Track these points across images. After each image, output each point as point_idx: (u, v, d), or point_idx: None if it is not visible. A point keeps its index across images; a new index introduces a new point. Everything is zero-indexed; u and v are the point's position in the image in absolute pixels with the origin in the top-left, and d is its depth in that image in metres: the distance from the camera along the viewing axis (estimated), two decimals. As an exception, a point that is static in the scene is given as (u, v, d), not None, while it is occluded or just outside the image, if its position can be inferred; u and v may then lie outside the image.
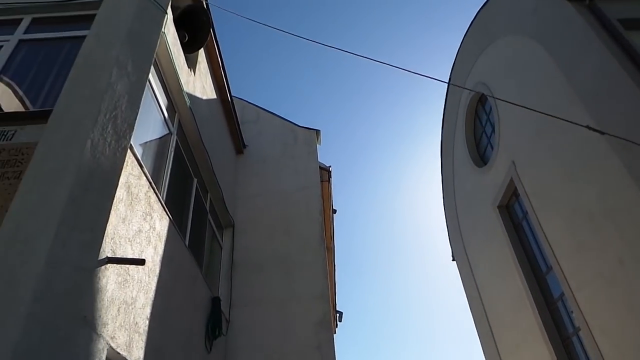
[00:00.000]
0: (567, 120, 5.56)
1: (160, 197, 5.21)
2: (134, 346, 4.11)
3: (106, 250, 3.70)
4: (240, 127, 10.42)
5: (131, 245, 4.26)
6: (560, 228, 7.88)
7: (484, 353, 11.20)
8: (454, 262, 13.51)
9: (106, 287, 3.69)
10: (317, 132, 10.81)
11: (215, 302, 7.05)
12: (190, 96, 6.90)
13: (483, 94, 10.88)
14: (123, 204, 4.16)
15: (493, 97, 10.16)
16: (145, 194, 4.74)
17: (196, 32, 7.18)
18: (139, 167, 4.61)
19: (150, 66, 4.76)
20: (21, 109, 4.51)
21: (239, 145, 10.38)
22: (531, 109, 6.19)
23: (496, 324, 10.61)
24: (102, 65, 4.19)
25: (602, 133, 5.35)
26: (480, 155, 11.58)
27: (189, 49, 7.18)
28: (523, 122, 8.84)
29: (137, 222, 4.45)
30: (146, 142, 5.46)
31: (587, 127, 5.30)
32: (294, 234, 9.00)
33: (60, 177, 3.32)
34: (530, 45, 8.41)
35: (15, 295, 2.76)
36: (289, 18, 48.47)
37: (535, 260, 9.26)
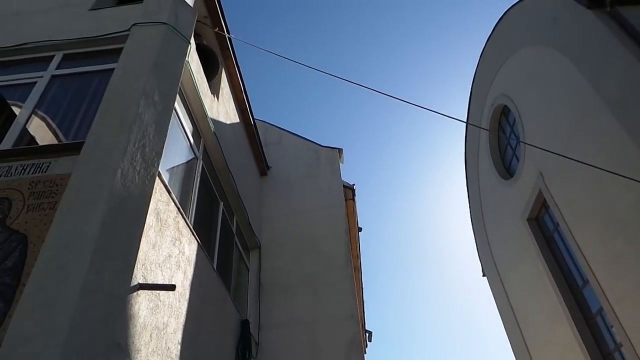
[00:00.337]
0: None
1: (188, 222, 5.30)
2: (167, 372, 4.13)
3: (138, 277, 3.76)
4: (264, 149, 10.55)
5: (161, 270, 4.32)
6: (594, 239, 7.63)
7: (521, 372, 10.80)
8: (485, 277, 13.19)
9: (138, 313, 3.74)
10: (340, 150, 10.85)
11: (245, 324, 7.05)
12: (215, 121, 7.04)
13: (505, 105, 10.76)
14: (153, 230, 4.24)
15: (516, 108, 10.04)
16: (174, 220, 4.82)
17: (207, 67, 7.43)
18: (167, 193, 4.71)
19: (176, 95, 4.89)
20: (55, 141, 4.69)
21: (263, 167, 10.49)
22: (581, 162, 6.05)
23: (532, 341, 10.24)
24: (130, 96, 4.33)
25: None
26: (506, 168, 11.38)
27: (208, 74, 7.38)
28: (549, 132, 8.68)
29: (167, 248, 4.53)
30: (173, 168, 5.58)
31: None
32: (320, 254, 8.97)
33: (93, 206, 3.42)
34: (551, 55, 8.31)
35: (52, 325, 2.83)
36: (310, 42, 49.21)
37: (570, 273, 8.96)
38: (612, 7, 6.97)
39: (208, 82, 7.26)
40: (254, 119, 9.81)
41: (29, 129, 4.73)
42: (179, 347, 4.49)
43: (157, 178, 4.29)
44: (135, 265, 3.68)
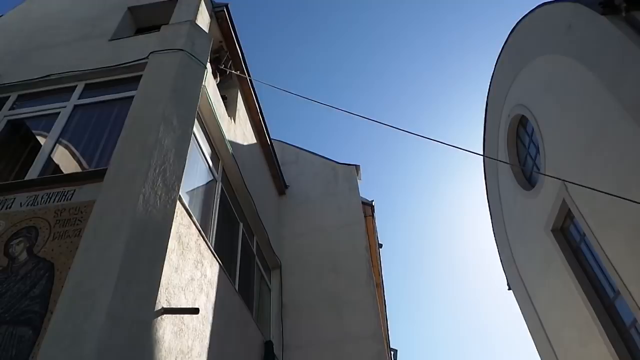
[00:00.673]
0: None
1: (210, 244, 5.33)
2: (192, 396, 4.11)
3: (161, 301, 3.78)
4: (281, 168, 10.61)
5: (184, 293, 4.34)
6: (624, 248, 7.39)
7: (553, 389, 10.42)
8: (510, 291, 12.87)
9: (163, 337, 3.75)
10: (357, 167, 10.84)
11: (268, 346, 6.99)
12: (232, 143, 7.13)
13: (523, 115, 10.64)
14: (175, 253, 4.27)
15: (534, 118, 9.92)
16: (196, 242, 4.85)
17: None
18: (188, 217, 4.76)
19: (194, 119, 4.98)
20: (79, 169, 4.81)
21: (281, 187, 10.53)
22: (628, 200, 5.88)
23: (565, 358, 9.90)
24: (149, 122, 4.42)
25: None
26: (527, 178, 11.19)
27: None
28: (569, 141, 8.53)
29: (189, 271, 4.55)
30: (193, 191, 5.65)
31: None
32: (341, 272, 8.90)
33: (116, 233, 3.47)
34: (567, 62, 8.22)
35: (80, 352, 2.85)
36: (325, 67, 49.74)
37: (599, 285, 8.67)
38: (627, 12, 6.89)
39: (227, 104, 7.38)
40: (270, 139, 9.89)
41: (53, 158, 4.85)
42: (204, 371, 4.47)
43: (177, 202, 4.34)
44: (159, 290, 3.70)
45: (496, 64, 11.73)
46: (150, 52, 5.41)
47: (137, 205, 3.65)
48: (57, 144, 4.98)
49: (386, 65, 48.40)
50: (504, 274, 13.18)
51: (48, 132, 5.10)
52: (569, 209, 8.97)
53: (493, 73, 11.96)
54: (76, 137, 5.14)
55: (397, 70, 48.98)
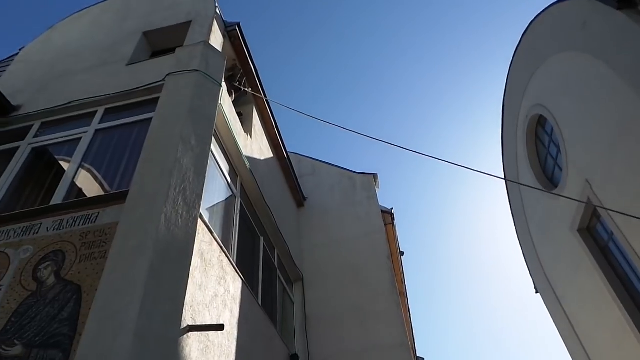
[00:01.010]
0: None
1: (232, 260, 5.37)
2: (221, 413, 4.12)
3: (187, 319, 3.82)
4: (299, 180, 10.66)
5: (209, 310, 4.37)
6: (655, 247, 7.17)
7: (589, 394, 10.09)
8: (538, 294, 12.58)
9: (190, 355, 3.78)
10: (375, 176, 10.81)
11: (294, 359, 6.96)
12: (249, 159, 7.20)
13: (541, 115, 10.49)
14: (198, 270, 4.32)
15: (553, 117, 9.77)
16: (218, 259, 4.90)
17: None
18: (209, 234, 4.81)
19: (212, 137, 5.05)
20: (101, 192, 4.92)
21: (299, 199, 10.56)
22: None
23: (599, 360, 9.59)
24: (168, 142, 4.51)
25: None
26: (549, 179, 10.98)
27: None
28: (592, 138, 8.36)
29: (213, 287, 4.58)
30: (213, 207, 5.71)
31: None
32: (364, 282, 8.84)
33: (140, 253, 3.53)
34: (584, 59, 8.10)
35: (110, 373, 2.89)
36: (340, 80, 50.03)
37: (631, 284, 8.41)
38: (643, 5, 6.77)
39: (243, 120, 7.48)
40: (287, 153, 9.96)
41: (77, 183, 4.98)
42: (231, 387, 4.48)
43: (199, 219, 4.39)
44: (184, 307, 3.73)
45: (510, 65, 11.62)
46: (167, 74, 5.53)
47: (160, 225, 3.71)
48: (80, 168, 5.11)
49: (398, 74, 48.37)
50: (530, 277, 12.92)
51: (71, 157, 5.24)
52: (595, 208, 8.76)
53: (508, 74, 11.84)
54: (98, 160, 5.27)
55: (410, 77, 48.90)
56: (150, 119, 5.08)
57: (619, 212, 6.57)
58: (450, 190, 55.08)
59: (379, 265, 9.02)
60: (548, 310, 11.92)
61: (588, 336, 9.96)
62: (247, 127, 7.91)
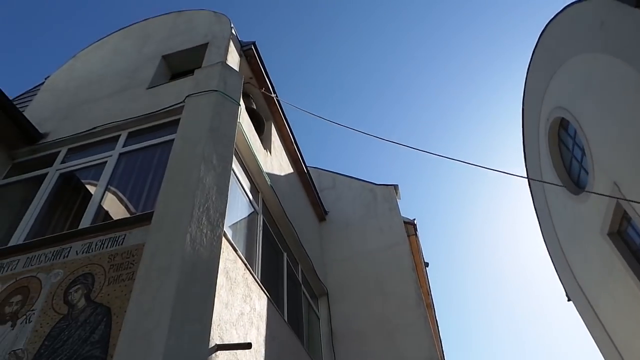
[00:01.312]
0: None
1: (256, 277, 5.38)
2: None
3: (215, 338, 3.82)
4: (319, 194, 10.66)
5: (236, 329, 4.37)
6: (692, 249, 6.91)
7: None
8: (570, 302, 12.21)
9: (219, 374, 3.77)
10: (396, 187, 10.75)
11: (322, 376, 6.89)
12: (270, 175, 7.25)
13: (563, 118, 10.30)
14: (224, 289, 4.34)
15: (575, 119, 9.58)
16: (243, 276, 4.91)
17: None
18: (233, 252, 4.84)
19: (232, 156, 5.11)
20: (127, 214, 5.01)
21: (321, 213, 10.55)
22: None
23: (639, 369, 9.21)
24: (190, 163, 4.58)
25: None
26: (574, 182, 10.73)
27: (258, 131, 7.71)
28: (618, 139, 8.16)
29: (239, 306, 4.59)
30: (236, 225, 5.75)
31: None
32: (389, 295, 8.73)
33: (167, 273, 3.57)
34: (604, 60, 7.95)
35: (141, 394, 2.90)
36: (353, 83, 50.25)
37: (668, 289, 8.10)
38: (662, 2, 6.64)
39: (259, 137, 7.56)
40: (306, 167, 10.00)
41: (103, 206, 5.09)
42: (261, 406, 4.44)
43: (223, 237, 4.42)
44: (211, 327, 3.74)
45: (528, 69, 11.49)
46: (187, 96, 5.64)
47: (185, 245, 3.75)
48: (106, 192, 5.22)
49: (413, 78, 48.27)
50: (560, 284, 12.56)
51: (97, 180, 5.36)
52: (625, 211, 8.52)
53: (526, 78, 11.70)
54: (123, 183, 5.38)
55: (425, 82, 48.71)
56: (172, 140, 5.18)
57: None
58: (472, 195, 54.27)
59: (404, 278, 8.90)
60: (582, 318, 11.56)
61: (625, 343, 9.60)
62: (266, 144, 7.99)
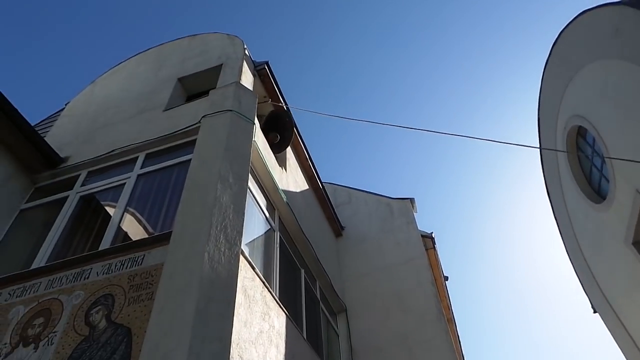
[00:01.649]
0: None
1: (274, 294, 5.36)
2: None
3: (234, 357, 3.81)
4: (335, 210, 10.64)
5: (255, 347, 4.35)
6: None
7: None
8: (596, 314, 11.85)
9: (239, 394, 3.74)
10: (412, 200, 10.68)
11: (343, 394, 6.78)
12: (285, 192, 7.27)
13: (580, 126, 10.16)
14: (242, 307, 4.33)
15: (593, 127, 9.44)
16: (261, 294, 4.90)
17: (282, 132, 7.79)
18: (251, 269, 4.84)
19: (248, 174, 5.15)
20: (146, 234, 5.06)
21: (337, 228, 10.52)
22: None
23: (672, 383, 8.86)
24: (207, 182, 4.63)
25: None
26: (595, 191, 10.51)
27: (279, 148, 7.75)
28: (638, 146, 8.00)
29: (258, 324, 4.57)
30: (253, 243, 5.77)
31: None
32: (409, 310, 8.61)
33: (186, 293, 3.58)
34: (620, 66, 7.86)
35: (163, 415, 2.89)
36: (367, 87, 50.48)
37: (700, 299, 7.82)
38: (676, 5, 6.57)
39: (277, 155, 7.63)
40: (322, 183, 10.01)
41: (122, 227, 5.16)
42: None
43: (240, 255, 4.43)
44: (231, 345, 3.73)
45: (542, 78, 11.41)
46: (202, 116, 5.74)
47: (203, 264, 3.77)
48: (125, 213, 5.30)
49: (425, 78, 48.17)
50: (585, 295, 12.23)
51: (116, 202, 5.45)
52: (650, 219, 8.30)
53: (540, 88, 11.61)
54: (141, 204, 5.46)
55: (437, 83, 48.61)
56: (189, 160, 5.25)
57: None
58: (491, 207, 53.54)
59: (424, 292, 8.78)
60: (608, 329, 11.21)
61: (657, 357, 9.26)
62: (282, 161, 8.04)
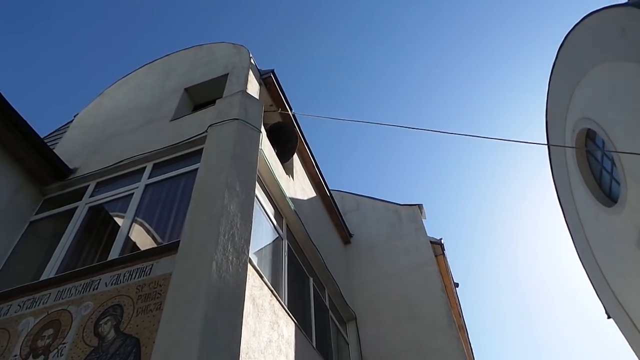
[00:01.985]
0: None
1: (283, 303, 5.33)
2: None
3: (243, 367, 3.77)
4: (343, 217, 10.60)
5: (264, 356, 4.32)
6: None
7: None
8: (611, 319, 11.65)
9: (249, 405, 3.71)
10: (420, 206, 10.62)
11: (354, 404, 6.70)
12: (293, 200, 7.26)
13: (589, 129, 10.06)
14: (251, 317, 4.31)
15: (602, 129, 9.35)
16: (269, 303, 4.88)
17: (286, 143, 7.79)
18: (259, 278, 4.82)
19: (255, 182, 5.15)
20: (154, 244, 5.07)
21: (346, 236, 10.48)
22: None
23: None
24: (214, 191, 4.63)
25: None
26: (607, 194, 10.39)
27: (285, 157, 7.75)
28: (648, 148, 7.90)
29: (266, 333, 4.54)
30: (261, 251, 5.75)
31: None
32: (419, 317, 8.52)
33: (194, 302, 3.57)
34: (628, 67, 7.79)
35: None
36: (376, 90, 50.36)
37: None
38: (684, 5, 6.51)
39: (284, 163, 7.63)
40: (329, 190, 9.99)
41: (131, 237, 5.17)
42: None
43: (248, 264, 4.42)
44: (240, 355, 3.70)
45: (549, 81, 11.34)
46: (209, 125, 5.76)
47: (211, 273, 3.75)
48: (134, 223, 5.31)
49: (422, 79, 48.05)
50: (599, 299, 12.04)
51: (124, 212, 5.47)
52: (663, 221, 8.18)
53: (548, 91, 11.54)
54: (150, 213, 5.47)
55: (434, 84, 48.46)
56: (196, 169, 5.27)
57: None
58: (500, 212, 53.07)
59: (434, 299, 8.69)
60: (623, 335, 11.01)
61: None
62: (288, 169, 8.04)
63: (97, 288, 4.36)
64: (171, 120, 6.81)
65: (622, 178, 9.09)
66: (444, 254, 10.17)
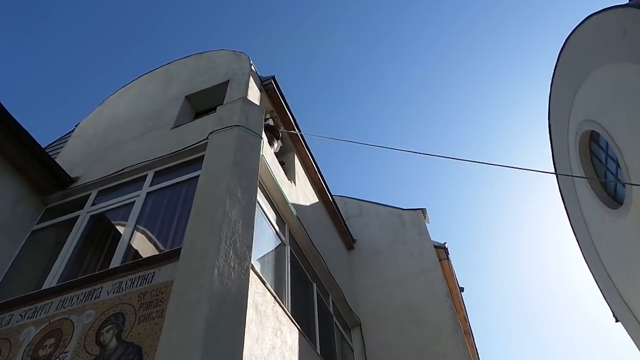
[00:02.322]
0: None
1: (286, 309, 5.29)
2: None
3: (247, 375, 3.73)
4: (346, 222, 10.56)
5: (268, 364, 4.27)
6: None
7: None
8: (619, 323, 11.52)
9: (252, 413, 3.66)
10: (424, 210, 10.57)
11: (359, 411, 6.63)
12: (295, 205, 7.23)
13: (593, 131, 10.02)
14: (254, 323, 4.27)
15: (606, 131, 9.30)
16: (272, 309, 4.83)
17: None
18: (262, 284, 4.78)
19: (257, 188, 5.13)
20: (156, 251, 5.04)
21: (349, 241, 10.43)
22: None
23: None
24: (216, 197, 4.61)
25: None
26: (612, 196, 10.31)
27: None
28: (652, 149, 7.85)
29: (270, 340, 4.50)
30: (263, 257, 5.71)
31: None
32: (424, 323, 8.44)
33: (196, 309, 3.53)
34: (630, 69, 7.76)
35: None
36: (378, 97, 50.33)
37: None
38: (685, 5, 6.49)
39: (286, 168, 7.60)
40: (332, 196, 9.95)
41: (132, 245, 5.15)
42: None
43: (250, 270, 4.38)
44: (243, 363, 3.66)
45: (552, 83, 11.31)
46: (210, 132, 5.75)
47: (213, 280, 3.72)
48: (135, 231, 5.29)
49: (421, 82, 47.87)
50: (606, 303, 11.91)
51: (126, 220, 5.45)
52: (669, 223, 8.10)
53: (550, 93, 11.51)
54: (151, 221, 5.45)
55: (446, 98, 48.42)
56: (198, 176, 5.25)
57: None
58: (505, 214, 52.83)
59: (439, 304, 8.61)
60: (632, 339, 10.88)
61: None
62: (290, 175, 8.02)
63: (98, 296, 4.33)
64: (172, 128, 6.81)
65: (628, 179, 9.02)
66: (448, 258, 10.10)
